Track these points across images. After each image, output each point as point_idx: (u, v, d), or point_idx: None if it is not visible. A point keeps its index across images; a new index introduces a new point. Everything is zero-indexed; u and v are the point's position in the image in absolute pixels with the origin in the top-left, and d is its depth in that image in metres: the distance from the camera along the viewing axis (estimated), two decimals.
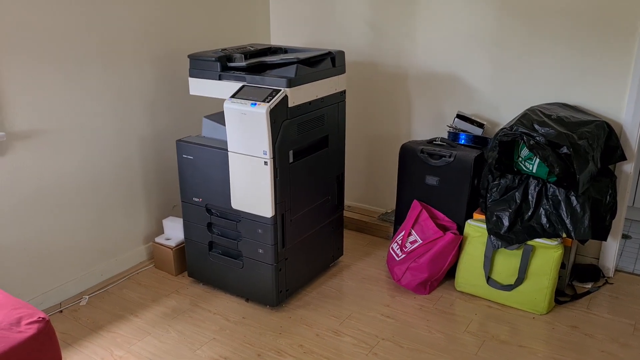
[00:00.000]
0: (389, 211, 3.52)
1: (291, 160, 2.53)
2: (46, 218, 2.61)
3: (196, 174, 2.67)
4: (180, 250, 2.98)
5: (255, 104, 2.36)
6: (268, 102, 2.35)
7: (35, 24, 2.40)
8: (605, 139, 2.68)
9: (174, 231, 3.03)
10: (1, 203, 2.43)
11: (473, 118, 3.03)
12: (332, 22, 3.43)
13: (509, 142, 2.67)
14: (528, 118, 2.62)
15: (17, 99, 2.40)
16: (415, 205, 2.97)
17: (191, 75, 2.67)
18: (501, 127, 3.04)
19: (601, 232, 2.71)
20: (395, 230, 3.18)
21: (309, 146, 2.66)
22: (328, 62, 2.67)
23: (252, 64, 2.58)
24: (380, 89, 3.38)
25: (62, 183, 2.65)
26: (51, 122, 2.55)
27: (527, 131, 2.55)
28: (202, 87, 2.65)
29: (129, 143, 2.92)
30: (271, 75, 2.47)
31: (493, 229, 2.70)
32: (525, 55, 2.90)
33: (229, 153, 2.51)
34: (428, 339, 2.48)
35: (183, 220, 2.83)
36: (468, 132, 3.01)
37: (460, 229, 2.89)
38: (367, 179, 3.57)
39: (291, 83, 2.42)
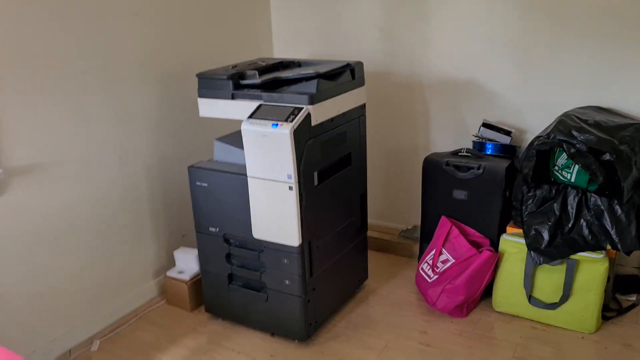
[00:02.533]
0: (410, 227, 3.33)
1: (316, 182, 2.34)
2: (50, 259, 2.39)
3: (212, 202, 2.47)
4: (195, 284, 2.76)
5: (277, 124, 2.17)
6: (291, 121, 2.16)
7: (29, 52, 2.19)
8: None
9: (186, 263, 2.81)
10: (1, 246, 2.21)
11: (500, 126, 2.86)
12: (340, 32, 3.25)
13: (543, 150, 2.50)
14: (564, 124, 2.45)
15: (14, 133, 2.18)
16: (444, 222, 2.79)
17: (201, 96, 2.47)
18: (528, 133, 2.90)
19: None
20: (422, 249, 2.99)
21: (331, 166, 2.46)
22: (348, 74, 2.49)
23: (266, 81, 2.39)
24: (395, 99, 3.20)
25: (65, 220, 2.43)
26: (51, 155, 2.33)
27: (566, 138, 2.39)
28: (213, 108, 2.45)
29: (134, 171, 2.70)
30: (290, 92, 2.28)
31: (532, 244, 2.52)
32: (552, 56, 2.74)
33: (248, 178, 2.31)
34: None
35: (198, 251, 2.62)
36: (495, 141, 2.84)
37: (494, 244, 2.72)
38: (385, 194, 3.38)
39: (313, 99, 2.23)
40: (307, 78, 2.34)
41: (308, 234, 2.34)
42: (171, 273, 2.81)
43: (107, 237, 2.62)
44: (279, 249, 2.36)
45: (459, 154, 2.86)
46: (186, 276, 2.76)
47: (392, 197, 3.37)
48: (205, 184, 2.45)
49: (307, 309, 2.43)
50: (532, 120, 2.86)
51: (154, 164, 2.79)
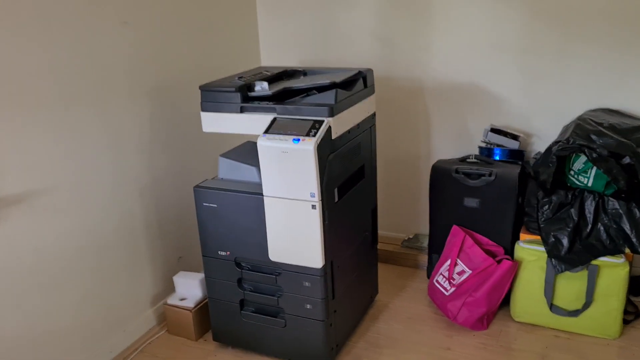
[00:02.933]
0: (411, 237, 3.23)
1: (336, 199, 2.20)
2: (43, 296, 2.15)
3: (221, 224, 2.29)
4: (201, 311, 2.56)
5: (299, 139, 2.02)
6: (313, 136, 2.01)
7: (12, 70, 1.95)
8: None
9: (188, 289, 2.61)
10: None
11: (507, 131, 2.80)
12: (333, 38, 3.11)
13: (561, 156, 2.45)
14: (582, 128, 2.41)
15: (3, 160, 1.94)
16: (457, 232, 2.70)
17: (205, 110, 2.27)
18: (535, 137, 2.85)
19: None
20: (431, 259, 2.90)
21: (348, 180, 2.33)
22: (360, 83, 2.36)
23: (277, 92, 2.23)
24: (395, 105, 3.10)
25: (58, 251, 2.19)
26: (40, 183, 2.08)
27: (585, 143, 2.34)
28: (219, 123, 2.27)
29: (127, 194, 2.48)
30: (308, 104, 2.13)
31: (552, 251, 2.47)
32: (557, 59, 2.69)
33: (264, 198, 2.15)
34: None
35: (205, 277, 2.43)
36: (503, 146, 2.77)
37: (507, 252, 2.65)
38: (385, 203, 3.26)
39: (333, 111, 2.09)
40: (322, 88, 2.20)
41: (330, 254, 2.20)
42: (172, 300, 2.61)
43: (102, 266, 2.40)
44: (299, 272, 2.21)
45: (467, 160, 2.78)
46: (190, 303, 2.56)
47: (392, 205, 3.26)
48: (214, 205, 2.27)
49: (330, 333, 2.29)
50: (539, 124, 2.81)
51: (147, 184, 2.58)
